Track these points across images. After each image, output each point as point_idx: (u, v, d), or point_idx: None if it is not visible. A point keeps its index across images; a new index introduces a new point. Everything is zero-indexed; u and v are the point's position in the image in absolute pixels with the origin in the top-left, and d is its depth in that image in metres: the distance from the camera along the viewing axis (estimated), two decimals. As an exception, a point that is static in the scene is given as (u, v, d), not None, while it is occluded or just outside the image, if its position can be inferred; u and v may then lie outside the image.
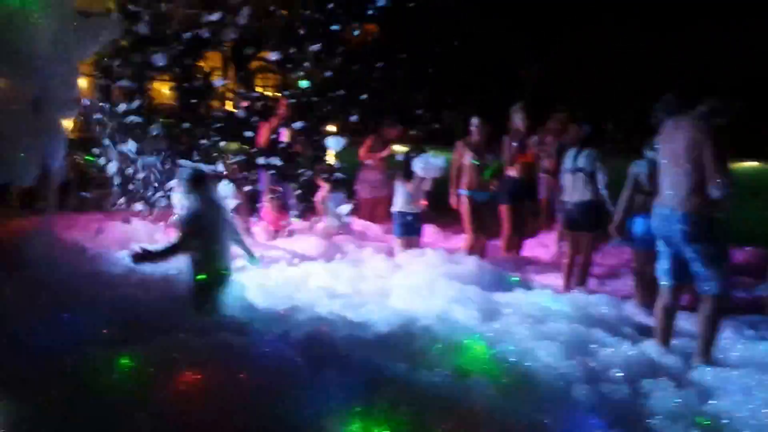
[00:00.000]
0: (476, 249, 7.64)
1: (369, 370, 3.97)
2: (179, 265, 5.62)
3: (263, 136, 9.20)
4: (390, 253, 7.56)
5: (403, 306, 5.61)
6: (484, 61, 23.29)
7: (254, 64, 13.14)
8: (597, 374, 4.33)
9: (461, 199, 7.70)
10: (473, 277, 6.49)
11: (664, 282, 4.96)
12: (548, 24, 26.00)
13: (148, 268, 5.58)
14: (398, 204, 7.60)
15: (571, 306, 5.72)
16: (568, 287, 6.64)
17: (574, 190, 6.63)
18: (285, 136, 9.16)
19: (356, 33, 12.28)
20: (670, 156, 4.75)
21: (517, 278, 6.86)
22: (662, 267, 4.95)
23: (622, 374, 4.33)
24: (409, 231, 7.59)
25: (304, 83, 11.24)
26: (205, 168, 6.57)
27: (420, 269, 6.65)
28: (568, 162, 6.67)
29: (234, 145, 10.85)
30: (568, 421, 3.68)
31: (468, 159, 7.63)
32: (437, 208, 8.27)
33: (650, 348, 4.88)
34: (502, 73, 24.87)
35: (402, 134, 9.73)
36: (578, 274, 6.71)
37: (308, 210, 9.74)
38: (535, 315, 5.47)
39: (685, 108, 5.64)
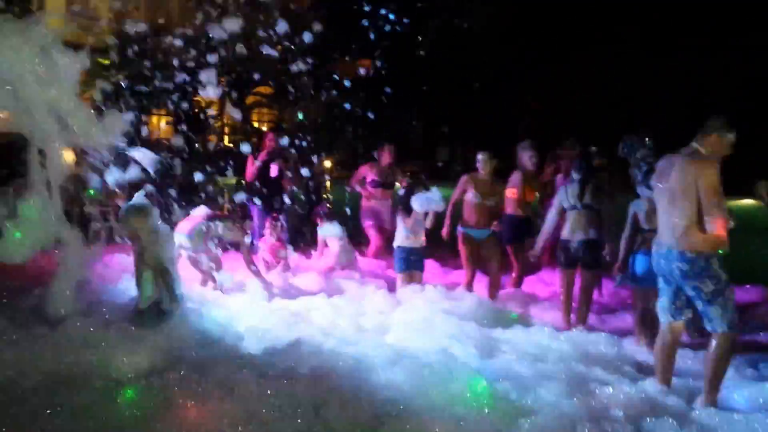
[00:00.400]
0: (471, 288, 7.61)
1: (370, 408, 3.97)
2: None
3: (250, 169, 9.24)
4: (391, 289, 7.51)
5: (402, 342, 5.57)
6: (479, 96, 23.47)
7: (250, 99, 13.27)
8: (599, 414, 4.28)
9: (460, 236, 7.65)
10: (472, 313, 6.46)
11: (663, 319, 4.92)
12: (544, 58, 26.23)
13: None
14: (399, 239, 7.59)
15: (570, 344, 5.70)
16: (568, 324, 6.58)
17: (576, 228, 6.58)
18: (274, 170, 9.20)
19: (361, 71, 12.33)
20: (665, 194, 4.75)
21: (516, 315, 6.83)
22: (661, 304, 4.92)
23: (623, 414, 4.28)
24: (410, 266, 7.56)
25: (299, 116, 11.31)
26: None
27: (419, 305, 6.62)
28: (570, 198, 6.61)
29: (232, 180, 10.87)
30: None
31: (471, 195, 7.56)
32: (436, 243, 8.24)
33: (651, 387, 4.81)
34: (498, 107, 25.05)
35: (395, 158, 9.43)
36: (579, 312, 6.64)
37: (303, 243, 9.70)
38: (534, 353, 5.45)
39: (642, 147, 5.91)
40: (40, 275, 6.47)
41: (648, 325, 5.79)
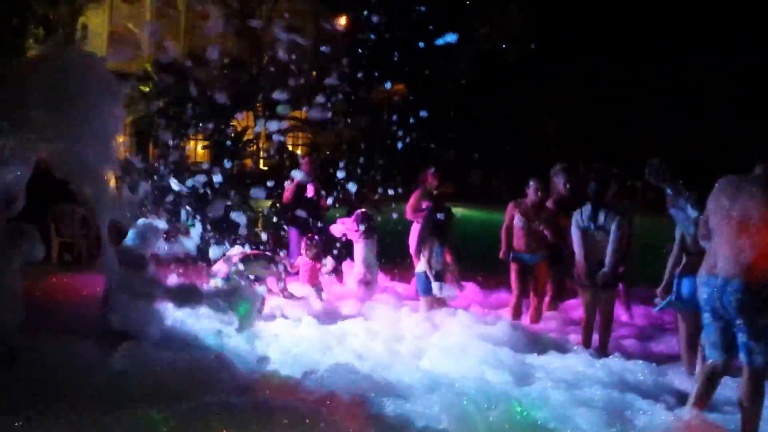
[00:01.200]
0: (520, 311, 7.66)
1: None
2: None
3: (288, 191, 9.44)
4: (425, 313, 7.50)
5: (438, 368, 5.57)
6: (506, 119, 23.53)
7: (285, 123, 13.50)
8: None
9: (511, 260, 7.67)
10: (506, 338, 6.43)
11: (714, 356, 4.65)
12: (572, 78, 26.25)
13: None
14: (422, 264, 7.59)
15: (605, 371, 5.65)
16: (589, 344, 6.62)
17: (592, 249, 6.55)
18: (310, 191, 9.36)
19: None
20: (726, 220, 4.47)
21: (551, 339, 6.79)
22: (710, 340, 4.66)
23: None
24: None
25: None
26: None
27: (454, 330, 6.62)
28: (584, 219, 6.59)
29: (267, 203, 11.00)
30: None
31: (518, 221, 7.60)
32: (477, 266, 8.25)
33: (688, 415, 4.67)
34: (523, 130, 25.07)
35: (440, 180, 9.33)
36: (600, 333, 6.65)
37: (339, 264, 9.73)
38: (570, 379, 5.40)
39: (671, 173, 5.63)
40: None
41: (695, 350, 5.67)
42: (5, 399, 3.90)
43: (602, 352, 6.45)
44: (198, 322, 6.11)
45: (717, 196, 4.60)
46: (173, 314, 6.08)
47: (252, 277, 7.27)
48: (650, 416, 4.66)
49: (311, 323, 6.89)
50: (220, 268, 7.18)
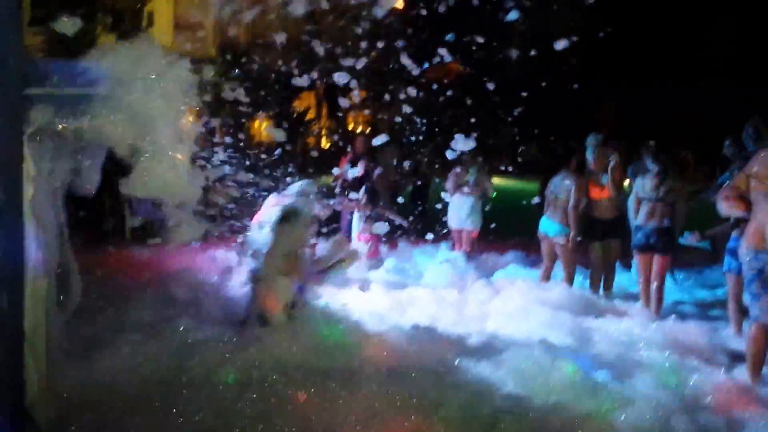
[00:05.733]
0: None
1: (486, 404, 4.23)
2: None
3: (340, 168, 9.84)
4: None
5: (501, 330, 5.85)
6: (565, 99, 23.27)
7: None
8: (693, 403, 4.32)
9: None
10: (563, 303, 6.63)
11: (764, 319, 4.69)
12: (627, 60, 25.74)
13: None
14: None
15: (661, 333, 5.81)
16: (647, 304, 6.81)
17: (651, 216, 6.72)
18: (360, 169, 9.67)
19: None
20: None
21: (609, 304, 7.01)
22: (759, 302, 4.66)
23: (717, 404, 4.32)
24: None
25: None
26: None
27: (513, 295, 6.91)
28: (646, 189, 6.76)
29: (329, 179, 11.33)
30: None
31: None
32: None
33: (743, 376, 4.83)
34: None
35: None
36: (655, 298, 6.81)
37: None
38: (626, 342, 5.58)
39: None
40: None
41: (743, 311, 5.73)
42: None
43: (656, 312, 6.67)
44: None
45: (761, 168, 4.52)
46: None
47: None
48: (704, 376, 4.80)
49: (379, 290, 7.19)
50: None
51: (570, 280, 7.50)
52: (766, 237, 4.46)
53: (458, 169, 9.47)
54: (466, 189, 9.34)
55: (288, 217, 5.91)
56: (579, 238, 7.42)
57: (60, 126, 3.53)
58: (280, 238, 5.77)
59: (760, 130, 5.70)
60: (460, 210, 9.40)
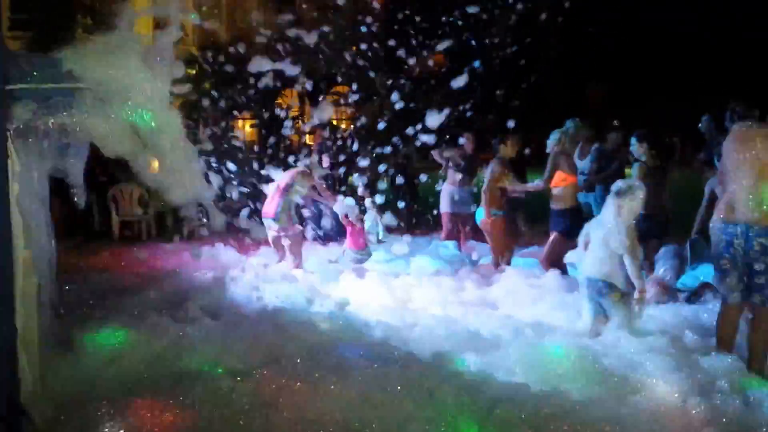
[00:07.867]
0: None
1: (483, 390, 4.23)
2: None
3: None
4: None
5: (503, 313, 5.93)
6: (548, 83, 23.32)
7: (327, 99, 13.73)
8: (706, 386, 4.28)
9: None
10: (568, 287, 6.60)
11: (731, 299, 4.70)
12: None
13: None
14: None
15: (671, 316, 5.78)
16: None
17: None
18: (325, 162, 10.03)
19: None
20: (751, 164, 4.45)
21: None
22: (728, 282, 4.66)
23: (729, 385, 4.29)
24: None
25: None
26: None
27: (508, 282, 6.94)
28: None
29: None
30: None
31: None
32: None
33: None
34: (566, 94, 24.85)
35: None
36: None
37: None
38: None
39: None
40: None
41: None
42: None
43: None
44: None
45: (735, 138, 4.58)
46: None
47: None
48: (716, 359, 4.68)
49: (373, 277, 7.24)
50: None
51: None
52: (737, 209, 4.51)
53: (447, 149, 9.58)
54: (458, 176, 9.33)
55: None
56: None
57: (49, 122, 3.48)
58: None
59: (744, 112, 5.64)
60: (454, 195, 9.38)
